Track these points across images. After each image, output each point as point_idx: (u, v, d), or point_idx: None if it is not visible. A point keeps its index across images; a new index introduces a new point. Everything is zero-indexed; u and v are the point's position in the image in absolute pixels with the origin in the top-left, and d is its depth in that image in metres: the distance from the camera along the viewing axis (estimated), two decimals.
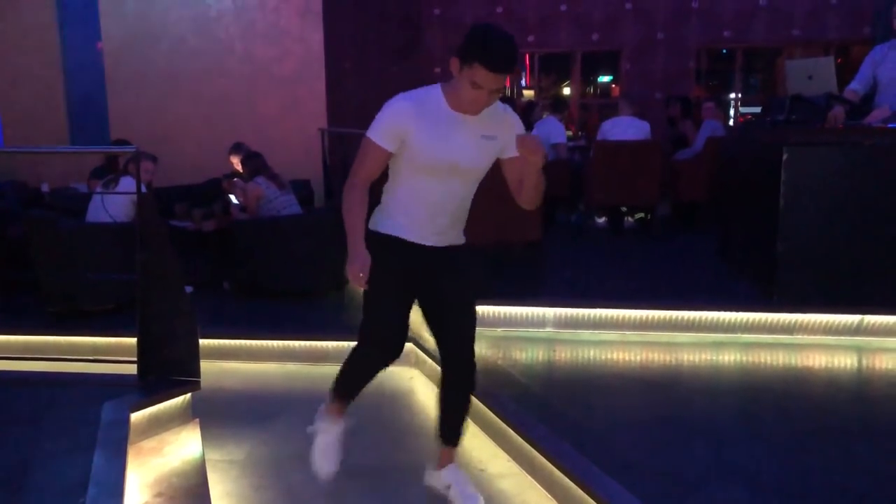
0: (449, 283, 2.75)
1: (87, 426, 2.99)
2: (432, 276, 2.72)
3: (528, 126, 6.81)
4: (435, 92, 2.56)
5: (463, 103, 2.49)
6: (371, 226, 2.69)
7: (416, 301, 2.79)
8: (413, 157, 2.56)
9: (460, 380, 2.85)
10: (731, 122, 10.97)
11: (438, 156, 2.54)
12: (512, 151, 2.61)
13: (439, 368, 4.05)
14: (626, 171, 6.90)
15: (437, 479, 2.93)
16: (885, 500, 2.65)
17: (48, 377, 3.73)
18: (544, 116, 8.01)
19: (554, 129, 7.50)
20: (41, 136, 8.89)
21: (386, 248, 2.63)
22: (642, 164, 6.92)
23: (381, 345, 2.73)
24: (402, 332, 2.72)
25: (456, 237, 2.78)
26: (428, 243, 2.69)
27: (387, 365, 2.79)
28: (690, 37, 10.43)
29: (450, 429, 2.92)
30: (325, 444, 2.95)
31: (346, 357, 2.89)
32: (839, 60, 9.79)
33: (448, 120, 2.53)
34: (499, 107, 2.61)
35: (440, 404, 2.90)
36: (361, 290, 2.59)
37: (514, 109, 6.81)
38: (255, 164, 5.81)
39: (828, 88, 4.88)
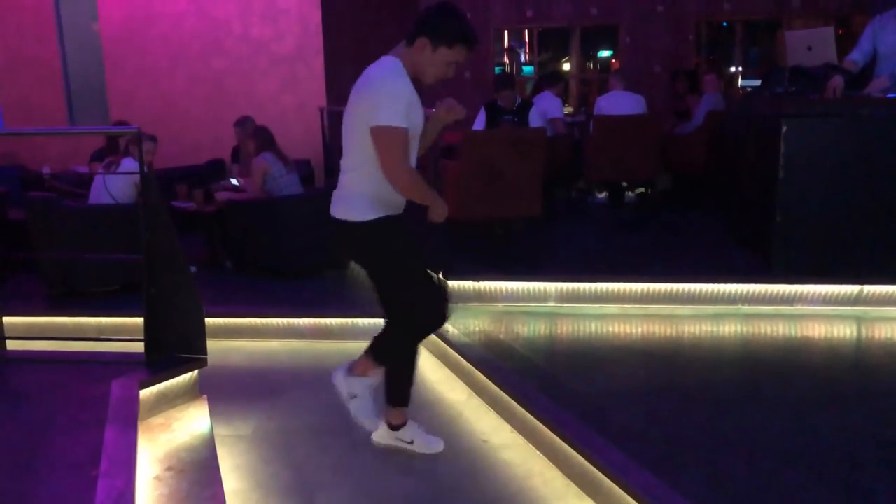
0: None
1: (97, 403, 3.03)
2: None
3: (530, 102, 6.79)
4: (399, 65, 2.65)
5: (428, 78, 2.65)
6: (357, 217, 2.72)
7: None
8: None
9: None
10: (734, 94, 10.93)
11: (420, 123, 2.71)
12: None
13: (440, 342, 4.11)
14: (625, 145, 6.90)
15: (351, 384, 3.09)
16: (882, 464, 2.70)
17: (57, 356, 3.77)
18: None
19: (551, 104, 7.47)
20: (40, 119, 8.89)
21: (389, 228, 2.75)
22: (641, 138, 6.93)
23: (436, 305, 2.84)
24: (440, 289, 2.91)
25: None
26: (400, 212, 2.84)
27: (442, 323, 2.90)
28: (690, 9, 10.34)
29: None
30: (425, 435, 3.15)
31: (386, 357, 3.00)
32: (839, 31, 9.73)
33: (415, 93, 2.69)
34: None
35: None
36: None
37: (513, 87, 6.78)
38: (264, 138, 5.72)
39: (827, 59, 4.88)
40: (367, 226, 2.73)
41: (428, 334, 3.04)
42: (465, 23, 2.59)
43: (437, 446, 3.12)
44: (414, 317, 2.85)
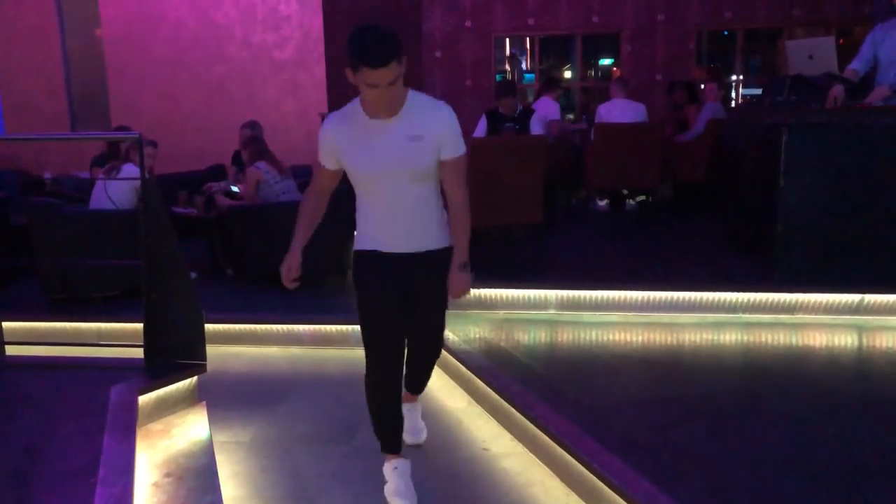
0: (420, 302, 2.81)
1: (96, 409, 3.03)
2: (408, 282, 2.75)
3: (531, 109, 6.80)
4: (356, 105, 2.61)
5: (372, 107, 2.52)
6: (354, 248, 2.84)
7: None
8: (349, 171, 2.68)
9: (422, 363, 3.09)
10: (731, 104, 10.95)
11: (364, 166, 2.61)
12: (445, 153, 2.63)
13: (448, 356, 4.09)
14: (626, 153, 6.91)
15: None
16: (885, 474, 2.68)
17: (56, 362, 3.77)
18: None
19: (549, 109, 7.52)
20: (42, 124, 8.90)
21: (364, 266, 2.76)
22: (642, 146, 6.93)
23: (378, 361, 2.73)
24: (396, 344, 2.74)
25: (434, 240, 2.77)
26: (401, 250, 2.73)
27: (391, 377, 2.75)
28: (691, 18, 10.38)
29: (413, 385, 3.17)
30: (395, 488, 2.81)
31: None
32: (840, 41, 9.76)
33: (369, 129, 2.57)
34: (429, 104, 2.61)
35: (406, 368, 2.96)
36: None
37: (515, 94, 6.78)
38: (257, 148, 5.80)
39: (828, 68, 4.89)
40: (353, 255, 2.83)
41: (372, 395, 2.78)
42: (362, 42, 2.35)
43: (397, 500, 2.80)
44: (366, 366, 2.77)
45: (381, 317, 2.69)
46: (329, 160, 2.69)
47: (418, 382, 3.19)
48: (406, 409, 3.13)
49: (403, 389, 3.04)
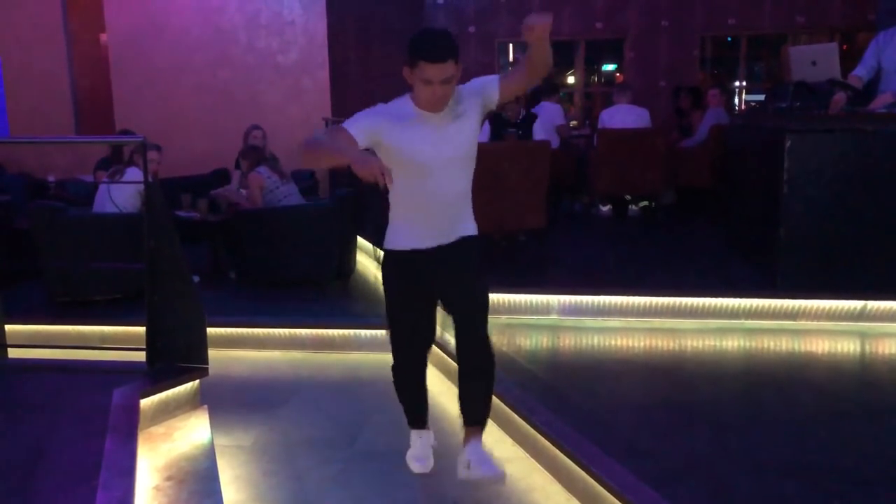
0: (459, 277, 2.78)
1: (98, 412, 3.03)
2: (445, 271, 2.76)
3: (534, 115, 6.81)
4: (405, 100, 2.67)
5: (427, 105, 2.60)
6: (384, 245, 2.87)
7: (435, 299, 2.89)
8: (401, 164, 2.61)
9: (474, 368, 2.82)
10: (735, 110, 10.95)
11: (419, 156, 2.63)
12: (493, 86, 2.74)
13: (449, 359, 4.10)
14: (629, 159, 6.91)
15: (461, 456, 2.87)
16: (887, 482, 2.68)
17: (58, 365, 3.77)
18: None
19: (552, 113, 7.55)
20: (47, 128, 8.93)
21: (397, 267, 2.83)
22: (645, 151, 6.93)
23: (405, 354, 2.95)
24: (423, 341, 2.94)
25: (465, 228, 2.82)
26: (440, 243, 2.75)
27: (417, 367, 3.00)
28: (695, 24, 10.38)
29: (469, 412, 2.87)
30: (414, 453, 3.10)
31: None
32: (844, 47, 9.75)
33: (422, 121, 2.63)
34: (458, 89, 2.70)
35: (459, 391, 2.88)
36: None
37: (518, 99, 6.76)
38: (256, 155, 5.86)
39: (831, 74, 4.89)
40: (384, 254, 2.88)
41: (399, 381, 3.01)
42: (423, 38, 2.54)
43: (414, 464, 3.08)
44: (392, 356, 2.98)
45: (409, 320, 2.87)
46: (364, 135, 2.59)
47: (476, 404, 2.85)
48: (470, 446, 2.81)
49: (463, 427, 2.89)
